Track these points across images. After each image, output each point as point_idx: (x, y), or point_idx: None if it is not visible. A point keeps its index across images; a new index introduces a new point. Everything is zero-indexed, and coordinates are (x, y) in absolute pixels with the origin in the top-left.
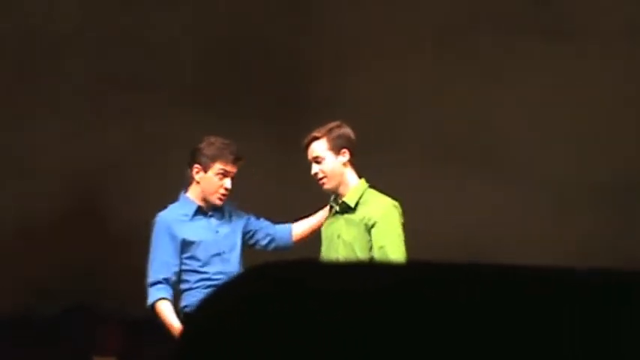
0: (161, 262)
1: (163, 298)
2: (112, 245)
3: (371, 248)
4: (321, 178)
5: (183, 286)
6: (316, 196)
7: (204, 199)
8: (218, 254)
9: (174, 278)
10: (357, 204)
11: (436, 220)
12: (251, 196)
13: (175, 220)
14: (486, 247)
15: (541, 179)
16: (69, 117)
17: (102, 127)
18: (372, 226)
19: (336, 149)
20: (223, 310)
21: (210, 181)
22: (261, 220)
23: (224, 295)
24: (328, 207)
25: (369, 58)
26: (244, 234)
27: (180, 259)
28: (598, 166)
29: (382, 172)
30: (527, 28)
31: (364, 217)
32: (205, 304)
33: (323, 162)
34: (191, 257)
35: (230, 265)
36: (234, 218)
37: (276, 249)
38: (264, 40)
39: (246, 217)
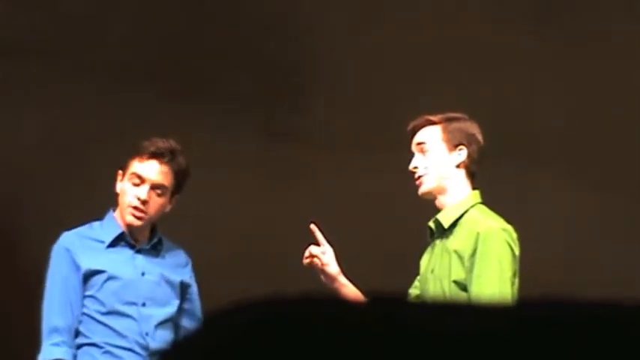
0: (61, 303)
1: None
2: (26, 292)
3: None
4: (418, 177)
5: (77, 340)
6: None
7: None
8: (134, 303)
9: (77, 326)
10: (454, 225)
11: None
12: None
13: (82, 246)
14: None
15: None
16: None
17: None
18: (470, 256)
19: (452, 143)
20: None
21: (125, 190)
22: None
23: (215, 328)
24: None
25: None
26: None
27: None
28: None
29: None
30: None
31: (459, 244)
32: (186, 341)
33: (428, 153)
34: (92, 298)
35: (150, 321)
36: (176, 269)
37: None
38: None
39: (193, 283)
